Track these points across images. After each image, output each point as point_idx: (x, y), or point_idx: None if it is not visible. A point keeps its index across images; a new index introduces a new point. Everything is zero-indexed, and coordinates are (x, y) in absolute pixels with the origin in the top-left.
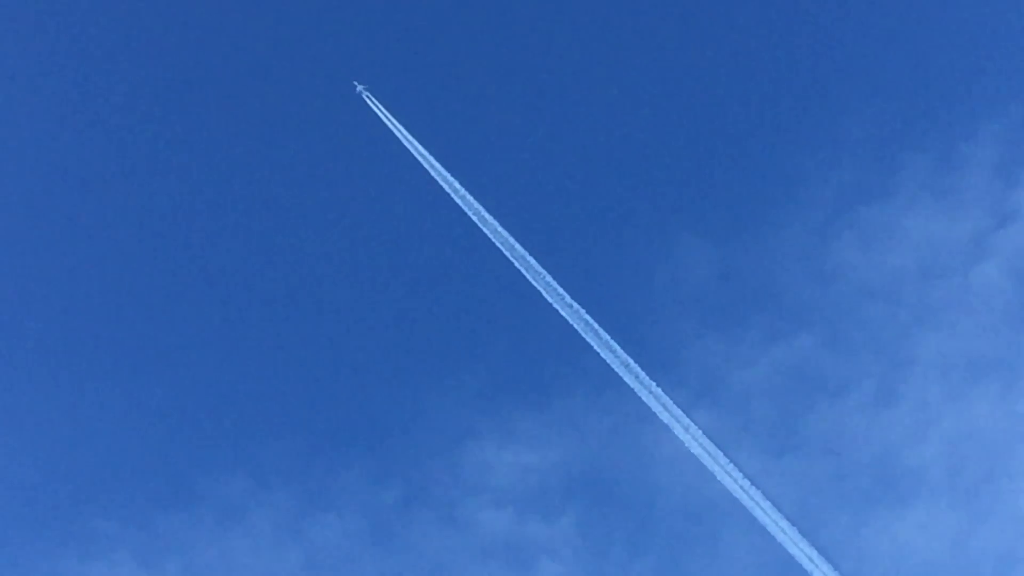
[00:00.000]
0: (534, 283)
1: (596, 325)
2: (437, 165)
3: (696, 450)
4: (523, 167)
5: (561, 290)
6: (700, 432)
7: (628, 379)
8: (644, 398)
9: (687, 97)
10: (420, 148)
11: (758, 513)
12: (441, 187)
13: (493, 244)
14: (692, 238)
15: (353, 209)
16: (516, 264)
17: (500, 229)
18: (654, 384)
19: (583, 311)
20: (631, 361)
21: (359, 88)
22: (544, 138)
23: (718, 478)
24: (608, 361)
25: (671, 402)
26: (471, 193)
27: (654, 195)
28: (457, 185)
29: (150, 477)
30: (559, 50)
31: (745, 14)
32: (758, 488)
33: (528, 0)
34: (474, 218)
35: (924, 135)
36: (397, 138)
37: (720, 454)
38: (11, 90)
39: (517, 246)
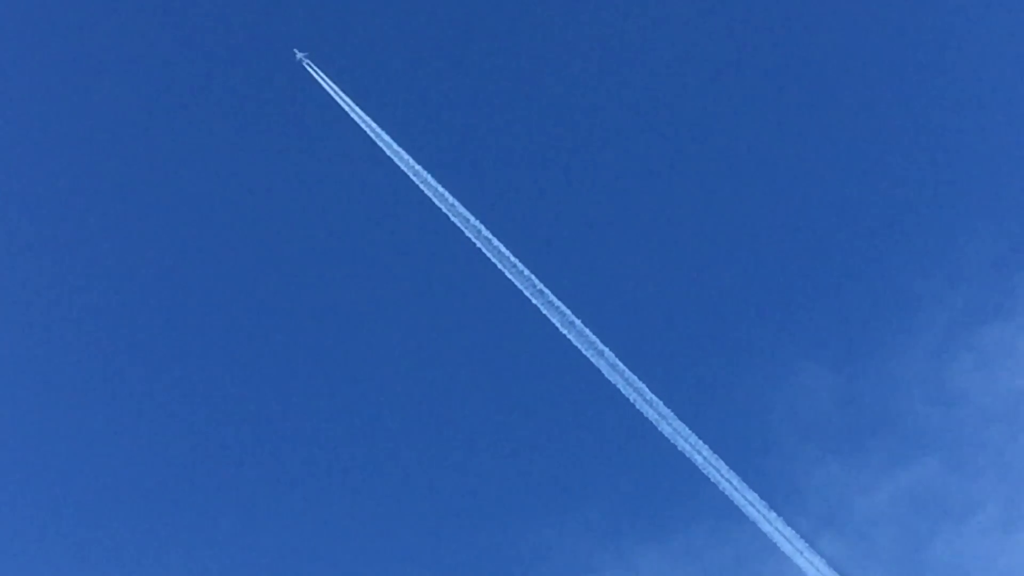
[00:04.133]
0: (650, 418)
1: (715, 457)
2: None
3: None
4: (629, 292)
5: (679, 423)
6: (823, 561)
7: (748, 510)
8: (765, 529)
9: (803, 227)
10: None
11: None
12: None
13: (608, 381)
14: (810, 364)
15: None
16: (631, 399)
17: (619, 363)
18: (775, 514)
19: (701, 442)
20: (751, 491)
21: (299, 56)
22: (659, 267)
23: None
24: (727, 493)
25: (793, 532)
26: (575, 313)
27: (770, 322)
28: (537, 282)
29: None
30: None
31: (854, 147)
32: None
33: None
34: (587, 352)
35: None
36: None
37: None
38: None
39: (636, 380)
